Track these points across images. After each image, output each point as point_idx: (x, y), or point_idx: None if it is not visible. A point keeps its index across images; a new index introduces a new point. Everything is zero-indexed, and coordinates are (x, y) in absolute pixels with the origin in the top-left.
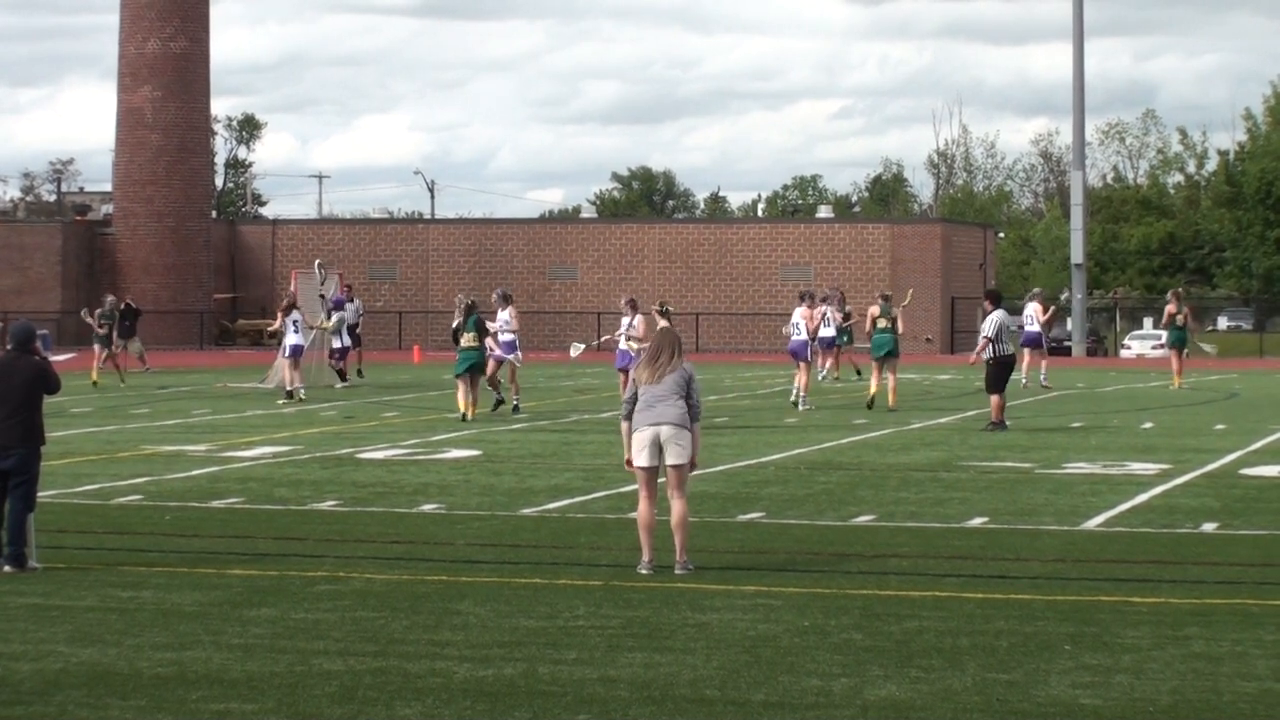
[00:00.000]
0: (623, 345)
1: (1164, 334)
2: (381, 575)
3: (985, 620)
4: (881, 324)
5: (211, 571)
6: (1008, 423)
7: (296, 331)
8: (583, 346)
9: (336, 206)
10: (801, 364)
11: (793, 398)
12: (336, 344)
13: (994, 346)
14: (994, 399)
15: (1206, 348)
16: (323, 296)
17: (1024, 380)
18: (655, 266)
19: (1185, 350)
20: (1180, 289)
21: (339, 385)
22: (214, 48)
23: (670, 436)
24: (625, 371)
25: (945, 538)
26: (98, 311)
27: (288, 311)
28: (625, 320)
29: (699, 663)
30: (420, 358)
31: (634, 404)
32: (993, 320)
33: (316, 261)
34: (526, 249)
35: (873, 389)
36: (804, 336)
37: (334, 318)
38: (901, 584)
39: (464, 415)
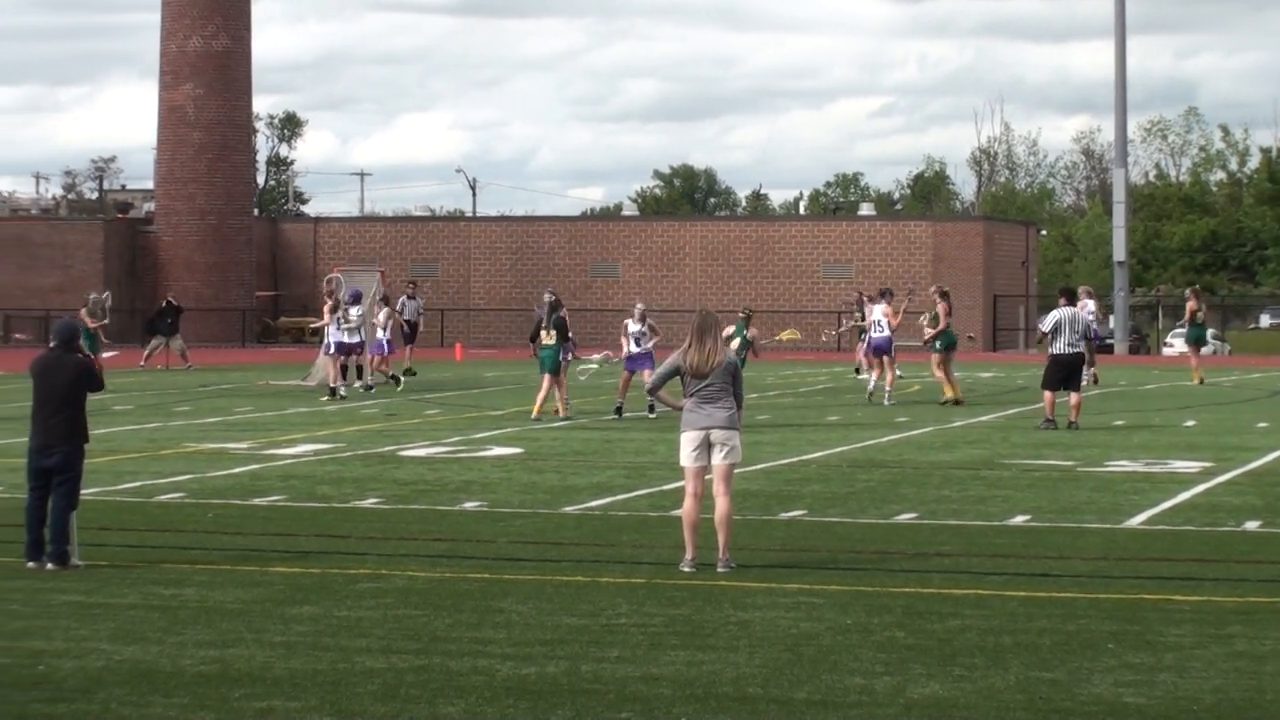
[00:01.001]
0: (631, 349)
1: (1185, 331)
2: (424, 573)
3: (1028, 619)
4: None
5: (254, 569)
6: (1055, 420)
7: (339, 329)
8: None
9: (378, 204)
10: (885, 359)
11: (872, 393)
12: (354, 339)
13: (1052, 343)
14: (1046, 395)
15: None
16: (337, 299)
17: (1092, 378)
18: (697, 264)
19: (1204, 347)
20: (1199, 287)
21: (355, 383)
22: (255, 46)
23: (720, 439)
24: (632, 374)
25: (987, 536)
26: (83, 311)
27: (334, 309)
28: (635, 327)
29: (742, 660)
30: (462, 355)
31: (667, 378)
32: (1050, 316)
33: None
34: (568, 246)
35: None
36: (888, 333)
37: (354, 312)
38: (944, 582)
39: (535, 415)
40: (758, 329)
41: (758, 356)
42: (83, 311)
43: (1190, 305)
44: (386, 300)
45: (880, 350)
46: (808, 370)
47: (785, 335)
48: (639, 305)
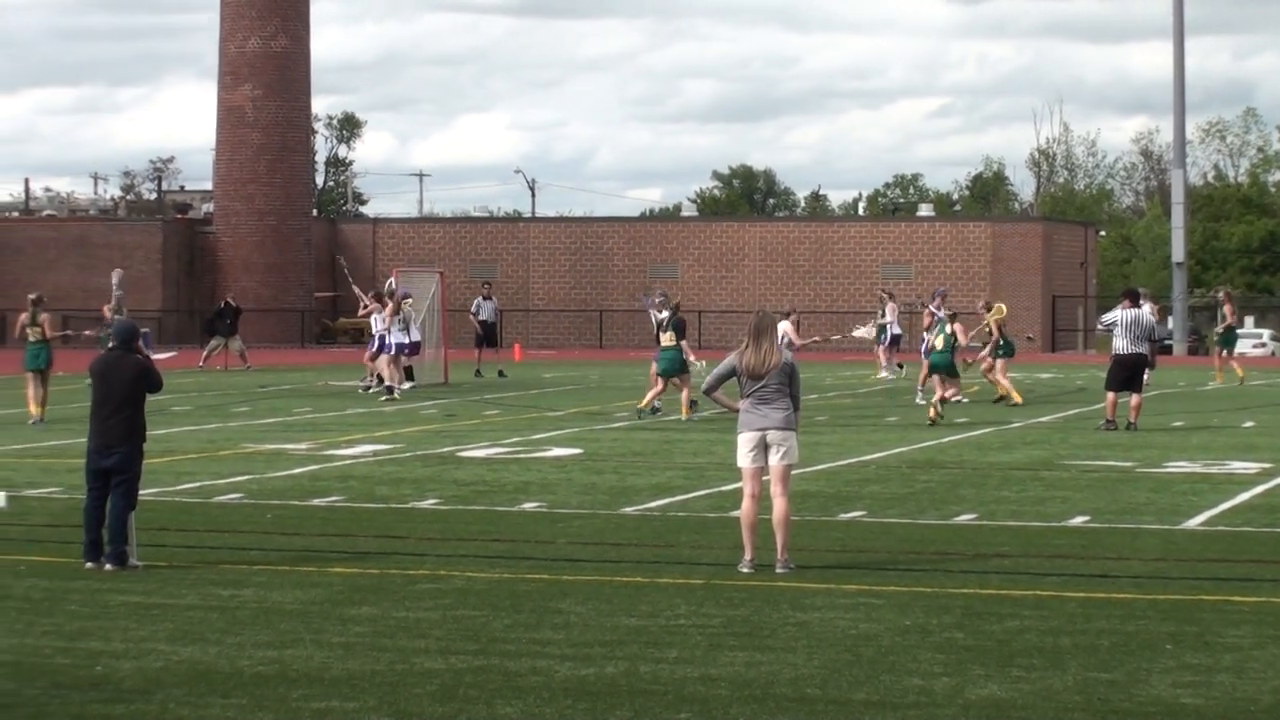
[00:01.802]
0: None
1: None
2: (482, 574)
3: (1086, 619)
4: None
5: (313, 570)
6: (1116, 422)
7: (400, 329)
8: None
9: (437, 205)
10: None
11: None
12: (406, 340)
13: (1115, 343)
14: (1109, 396)
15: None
16: (398, 301)
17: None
18: (756, 265)
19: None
20: (1230, 289)
21: (407, 385)
22: (313, 46)
23: (776, 440)
24: None
25: (1046, 537)
26: (107, 308)
27: (396, 310)
28: (787, 326)
29: (800, 661)
30: (521, 356)
31: (723, 379)
32: (1111, 315)
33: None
34: (627, 247)
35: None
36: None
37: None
38: (1003, 583)
39: (650, 409)
40: (962, 326)
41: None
42: (107, 308)
43: (1228, 308)
44: (379, 298)
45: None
46: (867, 370)
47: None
48: (794, 314)
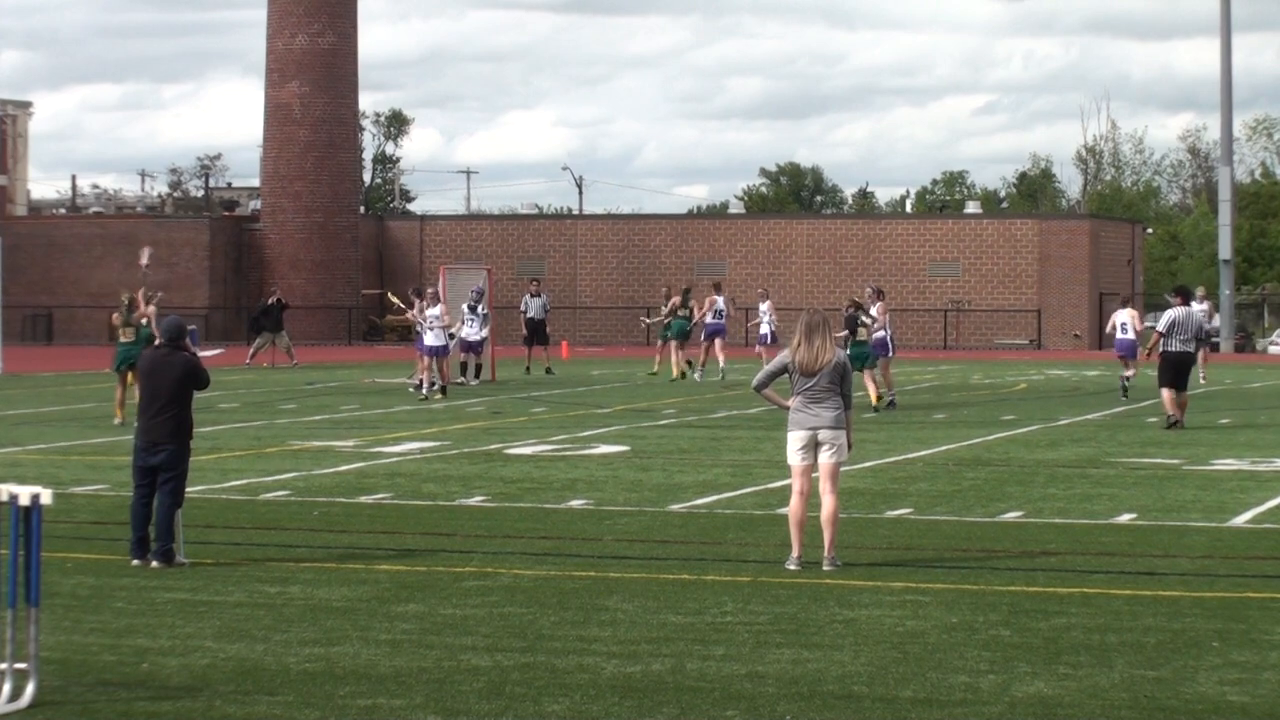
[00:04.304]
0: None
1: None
2: (529, 571)
3: (1133, 617)
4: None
5: (359, 567)
6: (1176, 418)
7: (451, 326)
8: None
9: (484, 202)
10: (1128, 360)
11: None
12: (474, 337)
13: (1164, 341)
14: (1163, 393)
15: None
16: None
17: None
18: (804, 262)
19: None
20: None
21: (474, 381)
22: (360, 43)
23: (827, 439)
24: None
25: (1093, 534)
26: (140, 293)
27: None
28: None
29: (847, 659)
30: (569, 353)
31: (774, 376)
32: (1165, 315)
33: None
34: (674, 244)
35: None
36: (1132, 336)
37: (437, 310)
38: (1049, 580)
39: (884, 404)
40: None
41: None
42: (139, 294)
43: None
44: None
45: (1126, 353)
46: (914, 368)
47: None
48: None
